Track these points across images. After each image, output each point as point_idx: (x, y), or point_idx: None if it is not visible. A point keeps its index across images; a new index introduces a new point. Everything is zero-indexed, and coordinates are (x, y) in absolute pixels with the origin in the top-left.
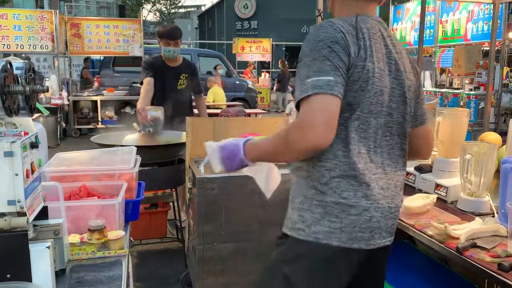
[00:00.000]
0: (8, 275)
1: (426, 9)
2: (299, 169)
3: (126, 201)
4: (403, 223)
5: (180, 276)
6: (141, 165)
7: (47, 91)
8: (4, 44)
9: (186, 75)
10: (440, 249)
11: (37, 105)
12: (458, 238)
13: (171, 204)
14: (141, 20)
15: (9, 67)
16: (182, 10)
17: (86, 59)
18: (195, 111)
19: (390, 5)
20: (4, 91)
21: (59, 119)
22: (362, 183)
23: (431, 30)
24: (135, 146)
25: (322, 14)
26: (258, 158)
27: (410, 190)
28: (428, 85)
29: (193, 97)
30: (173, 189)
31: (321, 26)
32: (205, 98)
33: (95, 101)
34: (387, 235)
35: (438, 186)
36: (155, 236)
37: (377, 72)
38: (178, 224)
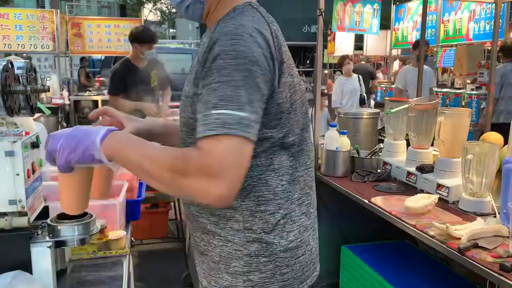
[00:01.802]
0: None
1: (428, 8)
2: (224, 220)
3: (127, 201)
4: (404, 223)
5: (181, 276)
6: None
7: (48, 90)
8: (5, 44)
9: (155, 72)
10: (441, 249)
11: (39, 104)
12: (459, 239)
13: (172, 204)
14: (142, 20)
15: (10, 66)
16: None
17: (83, 59)
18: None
19: (392, 5)
20: (5, 91)
21: (60, 119)
22: (301, 214)
23: (433, 30)
24: None
25: (323, 14)
26: (122, 165)
27: (411, 190)
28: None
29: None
30: None
31: (237, 33)
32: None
33: (96, 101)
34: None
35: (439, 186)
36: (156, 236)
37: (297, 83)
38: (179, 224)
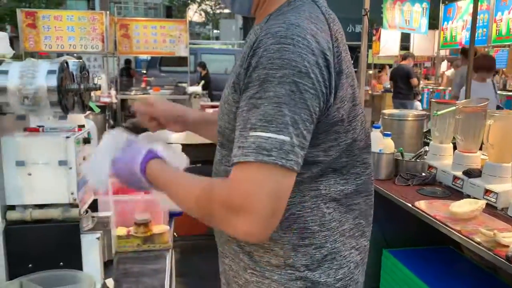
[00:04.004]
0: (61, 263)
1: (479, 7)
2: (261, 252)
3: None
4: (449, 229)
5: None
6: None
7: (100, 89)
8: (58, 44)
9: None
10: (488, 256)
11: (90, 103)
12: (508, 246)
13: None
14: (187, 21)
15: (66, 66)
16: (227, 11)
17: (128, 61)
18: None
19: (440, 4)
20: (61, 90)
21: (107, 117)
22: (351, 248)
23: (484, 30)
24: (181, 144)
25: (368, 14)
26: (158, 188)
27: (457, 195)
28: None
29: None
30: None
31: (285, 35)
32: None
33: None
34: None
35: (487, 191)
36: (197, 233)
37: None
38: None
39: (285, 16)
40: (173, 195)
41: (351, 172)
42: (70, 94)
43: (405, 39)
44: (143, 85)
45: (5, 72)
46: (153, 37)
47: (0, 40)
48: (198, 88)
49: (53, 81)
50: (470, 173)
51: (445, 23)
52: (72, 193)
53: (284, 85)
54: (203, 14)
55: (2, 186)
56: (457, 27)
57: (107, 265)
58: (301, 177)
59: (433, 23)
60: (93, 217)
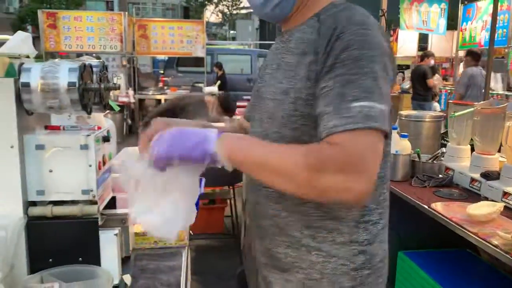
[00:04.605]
0: (80, 258)
1: (499, 7)
2: (325, 232)
3: None
4: (465, 231)
5: (235, 272)
6: None
7: (119, 88)
8: (78, 45)
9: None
10: (505, 259)
11: (110, 102)
12: None
13: (228, 201)
14: (204, 22)
15: (86, 66)
16: (243, 11)
17: None
18: None
19: (460, 4)
20: (82, 89)
21: (125, 116)
22: (388, 222)
23: (504, 30)
24: None
25: (386, 14)
26: (239, 163)
27: (474, 197)
28: (499, 88)
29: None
30: (231, 187)
31: (367, 23)
32: None
33: (159, 100)
34: None
35: (506, 194)
36: (212, 232)
37: None
38: (234, 221)
39: (349, 10)
40: (257, 163)
41: (387, 157)
42: (90, 93)
43: (423, 39)
44: (160, 85)
45: (28, 71)
46: (171, 37)
47: (24, 40)
48: (214, 88)
49: (74, 80)
50: (488, 175)
51: (464, 23)
52: (91, 191)
53: (376, 64)
54: (220, 14)
55: (24, 183)
56: (477, 28)
57: (125, 261)
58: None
59: (452, 24)
60: (103, 214)
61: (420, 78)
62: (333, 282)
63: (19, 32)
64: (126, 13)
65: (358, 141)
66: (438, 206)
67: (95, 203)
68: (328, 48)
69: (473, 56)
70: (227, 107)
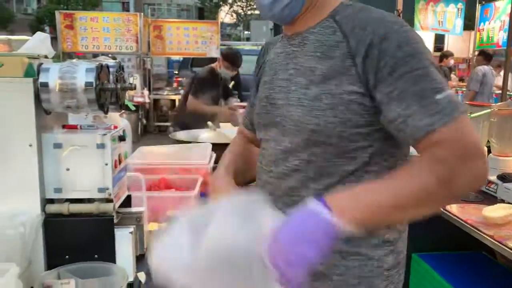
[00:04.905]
0: (96, 255)
1: None
2: (357, 237)
3: (201, 194)
4: (481, 234)
5: None
6: (215, 162)
7: (135, 88)
8: (94, 45)
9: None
10: None
11: (126, 101)
12: None
13: None
14: (219, 22)
15: (103, 66)
16: (258, 12)
17: None
18: None
19: (477, 4)
20: (99, 88)
21: (140, 116)
22: None
23: None
24: (211, 143)
25: (401, 15)
26: (368, 220)
27: (490, 199)
28: None
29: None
30: (244, 186)
31: (399, 20)
32: None
33: (174, 100)
34: None
35: None
36: None
37: None
38: None
39: (371, 11)
40: (389, 210)
41: (409, 157)
42: (107, 93)
43: (439, 40)
44: (175, 85)
45: (47, 71)
46: (185, 38)
47: (42, 41)
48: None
49: (92, 80)
50: (505, 178)
51: (482, 23)
52: (107, 189)
53: (427, 53)
54: (234, 15)
55: (42, 181)
56: (494, 28)
57: (139, 259)
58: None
59: (469, 24)
60: (118, 212)
61: None
62: (371, 285)
63: (38, 33)
64: (142, 14)
65: (461, 130)
66: (453, 208)
67: (110, 201)
68: (374, 51)
69: (485, 56)
70: (233, 61)
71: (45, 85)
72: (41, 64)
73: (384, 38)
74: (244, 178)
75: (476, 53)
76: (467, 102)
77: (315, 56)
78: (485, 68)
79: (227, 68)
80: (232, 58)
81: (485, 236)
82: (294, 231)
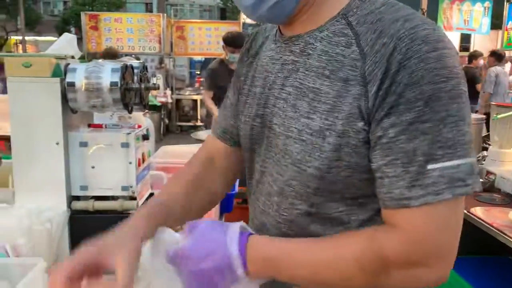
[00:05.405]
0: None
1: None
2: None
3: None
4: (506, 237)
5: None
6: None
7: (158, 88)
8: (118, 46)
9: None
10: None
11: (151, 98)
12: None
13: None
14: (241, 22)
15: (127, 66)
16: None
17: None
18: None
19: (505, 2)
20: (124, 89)
21: (163, 116)
22: None
23: None
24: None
25: (426, 14)
26: (273, 277)
27: None
28: None
29: None
30: None
31: (435, 36)
32: None
33: (195, 100)
34: None
35: None
36: None
37: None
38: None
39: (399, 12)
40: (305, 279)
41: None
42: (131, 92)
43: (465, 39)
44: (196, 85)
45: (73, 71)
46: (207, 38)
47: (69, 41)
48: None
49: (117, 80)
50: None
51: (510, 22)
52: (131, 187)
53: (455, 99)
54: None
55: (68, 178)
56: None
57: None
58: None
59: (496, 23)
60: None
61: (468, 82)
62: None
63: (65, 34)
64: (165, 14)
65: (437, 223)
66: (478, 211)
67: (134, 198)
68: (388, 79)
69: (497, 57)
70: (235, 43)
71: (71, 84)
72: (68, 64)
73: (402, 65)
74: (181, 223)
75: (508, 53)
76: (493, 103)
77: (323, 74)
78: (497, 69)
79: (232, 52)
80: (232, 40)
81: (510, 239)
82: (201, 249)
